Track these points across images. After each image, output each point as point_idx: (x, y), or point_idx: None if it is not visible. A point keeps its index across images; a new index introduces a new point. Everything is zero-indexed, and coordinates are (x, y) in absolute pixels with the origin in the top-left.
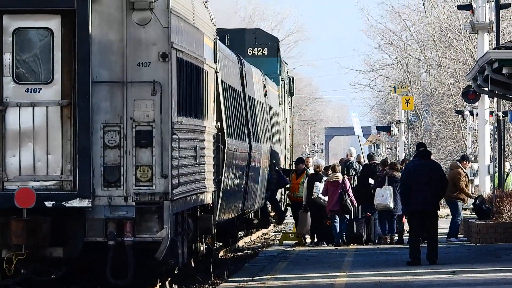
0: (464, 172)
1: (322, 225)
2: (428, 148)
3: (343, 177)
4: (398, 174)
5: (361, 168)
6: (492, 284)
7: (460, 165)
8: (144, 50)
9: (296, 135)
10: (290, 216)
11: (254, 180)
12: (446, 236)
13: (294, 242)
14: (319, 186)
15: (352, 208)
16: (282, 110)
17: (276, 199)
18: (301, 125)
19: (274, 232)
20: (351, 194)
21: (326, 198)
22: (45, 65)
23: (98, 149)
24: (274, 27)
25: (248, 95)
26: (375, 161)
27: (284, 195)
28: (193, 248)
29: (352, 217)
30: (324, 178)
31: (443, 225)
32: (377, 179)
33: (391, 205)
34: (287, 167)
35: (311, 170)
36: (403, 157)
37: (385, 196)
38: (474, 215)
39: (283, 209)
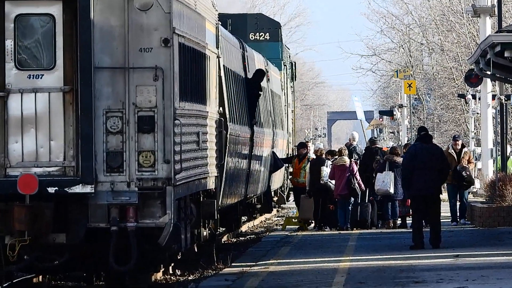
0: (451, 153)
1: (325, 210)
2: (430, 132)
3: (350, 161)
4: (399, 159)
5: (363, 152)
6: (495, 267)
7: (452, 147)
8: (146, 36)
9: (299, 119)
10: (293, 201)
11: (257, 165)
12: (449, 220)
13: (297, 226)
14: (326, 171)
15: (360, 192)
16: (284, 94)
17: (270, 186)
18: (303, 110)
19: (277, 217)
20: (358, 177)
21: (334, 182)
22: (47, 51)
23: (101, 134)
24: (276, 11)
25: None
26: (377, 145)
27: (286, 180)
28: (196, 234)
29: (359, 201)
30: (329, 162)
31: (446, 209)
32: (378, 163)
33: (391, 191)
34: (290, 152)
35: (312, 155)
36: (406, 141)
37: (385, 181)
38: (476, 199)
39: (285, 194)
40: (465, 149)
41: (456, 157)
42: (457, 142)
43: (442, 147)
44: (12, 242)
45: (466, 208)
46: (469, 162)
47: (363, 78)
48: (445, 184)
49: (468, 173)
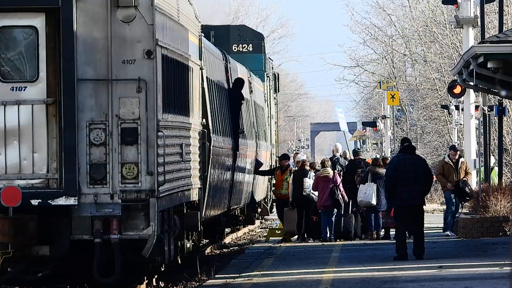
0: (448, 162)
1: (309, 221)
2: (413, 143)
3: (334, 172)
4: (381, 170)
5: (346, 163)
6: (479, 278)
7: (448, 156)
8: (129, 48)
9: (282, 131)
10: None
11: (240, 176)
12: (433, 231)
13: (281, 238)
14: (309, 182)
15: (343, 203)
16: (267, 106)
17: (253, 197)
18: (286, 121)
19: (260, 228)
20: (342, 189)
21: (317, 194)
22: (30, 63)
23: (84, 147)
24: (259, 23)
25: None
26: (361, 157)
27: (270, 192)
28: (180, 245)
29: (342, 213)
30: (312, 174)
31: (430, 220)
32: (360, 175)
33: (374, 202)
34: (273, 163)
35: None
36: (389, 153)
37: (367, 193)
38: (460, 210)
39: (268, 205)
40: (462, 159)
41: (454, 167)
42: (456, 152)
43: (425, 158)
44: None
45: (456, 221)
46: (466, 173)
47: (346, 89)
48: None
49: (470, 187)
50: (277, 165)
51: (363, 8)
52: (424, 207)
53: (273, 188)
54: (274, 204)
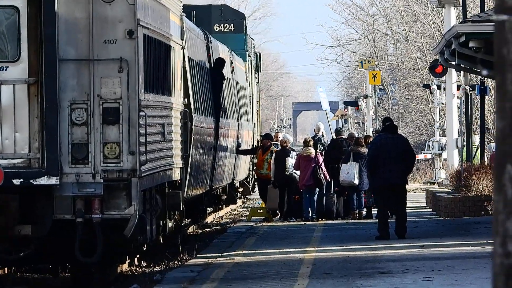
0: None
1: (291, 200)
2: (395, 123)
3: (316, 152)
4: (363, 150)
5: (328, 143)
6: (461, 257)
7: None
8: (111, 28)
9: (264, 110)
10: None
11: (222, 156)
12: (415, 211)
13: (263, 217)
14: (291, 162)
15: (325, 183)
16: (249, 86)
17: (235, 177)
18: (268, 101)
19: (242, 207)
20: (324, 168)
21: (299, 173)
22: (11, 43)
23: (66, 126)
24: (240, 3)
25: None
26: (342, 136)
27: (252, 171)
28: (162, 225)
29: (324, 192)
30: (294, 153)
31: (412, 199)
32: (343, 155)
33: (356, 182)
34: (255, 143)
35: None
36: (372, 132)
37: (349, 172)
38: (442, 189)
39: (250, 185)
40: None
41: None
42: None
43: (407, 137)
44: None
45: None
46: None
47: (328, 69)
48: None
49: None
50: (259, 145)
51: None
52: (406, 186)
53: (254, 168)
54: (256, 183)
